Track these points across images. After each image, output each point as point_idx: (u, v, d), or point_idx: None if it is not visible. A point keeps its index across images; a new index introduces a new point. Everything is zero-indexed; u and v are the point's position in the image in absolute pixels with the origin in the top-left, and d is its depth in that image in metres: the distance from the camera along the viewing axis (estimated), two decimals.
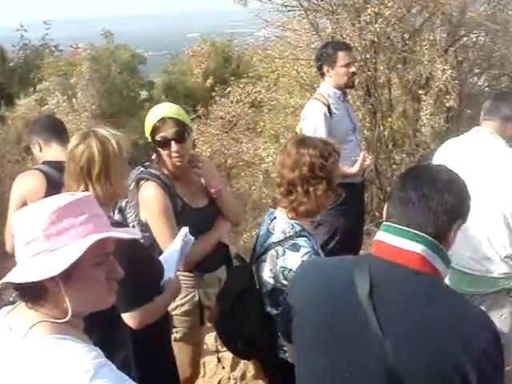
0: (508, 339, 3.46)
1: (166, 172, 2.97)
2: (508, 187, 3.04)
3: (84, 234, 1.42)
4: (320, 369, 1.70)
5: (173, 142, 2.87)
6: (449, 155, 3.43)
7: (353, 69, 4.40)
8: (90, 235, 1.42)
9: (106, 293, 1.52)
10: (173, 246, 2.61)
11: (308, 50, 6.97)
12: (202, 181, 3.06)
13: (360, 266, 1.65)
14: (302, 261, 2.36)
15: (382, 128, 6.38)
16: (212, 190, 3.05)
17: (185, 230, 2.61)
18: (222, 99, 10.42)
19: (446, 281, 3.53)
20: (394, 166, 6.42)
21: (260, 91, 9.02)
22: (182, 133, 2.90)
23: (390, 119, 6.50)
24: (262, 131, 9.07)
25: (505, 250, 3.16)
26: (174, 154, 2.90)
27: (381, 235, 1.69)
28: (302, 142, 2.58)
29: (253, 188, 8.18)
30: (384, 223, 1.71)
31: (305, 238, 2.47)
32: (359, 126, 4.99)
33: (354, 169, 4.35)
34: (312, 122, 4.38)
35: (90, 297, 1.49)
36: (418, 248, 1.61)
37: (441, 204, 1.64)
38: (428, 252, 1.62)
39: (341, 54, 4.37)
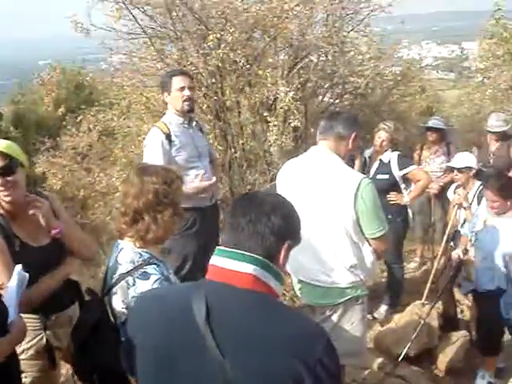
0: (361, 343, 3.64)
1: (1, 211, 2.82)
2: (345, 201, 3.19)
3: None
4: None
5: None
6: (289, 175, 3.56)
7: (187, 93, 4.38)
8: None
9: None
10: (10, 286, 2.47)
11: (156, 76, 6.95)
12: (41, 221, 2.91)
13: (196, 291, 1.68)
14: (153, 288, 2.35)
15: (233, 150, 6.49)
16: (52, 232, 2.92)
17: (18, 267, 2.48)
18: (73, 129, 10.10)
19: (298, 294, 3.67)
20: (249, 187, 6.55)
21: (112, 119, 8.86)
22: (9, 166, 2.76)
23: (241, 141, 6.64)
24: (115, 160, 8.89)
25: (349, 260, 3.33)
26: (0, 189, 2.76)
27: (214, 259, 1.74)
28: (144, 170, 2.59)
29: (108, 218, 7.97)
30: (217, 248, 1.77)
31: (154, 266, 2.47)
32: (212, 150, 4.99)
33: (190, 190, 4.25)
34: (150, 150, 4.36)
35: None
36: (249, 268, 1.67)
37: (268, 226, 1.71)
38: (260, 271, 1.68)
39: (175, 78, 4.39)
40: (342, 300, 3.42)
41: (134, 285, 2.42)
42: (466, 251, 4.74)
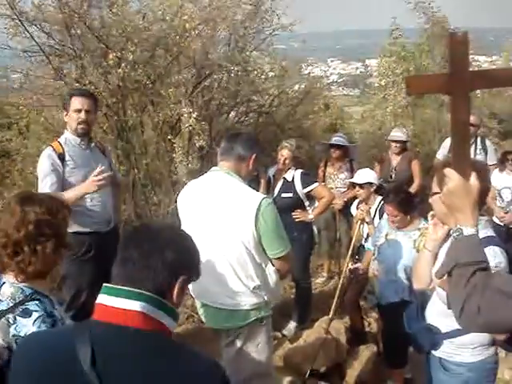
0: (267, 364, 3.60)
1: None
2: (247, 222, 3.16)
3: None
4: None
5: None
6: (190, 197, 3.50)
7: (83, 116, 4.26)
8: None
9: None
10: None
11: (54, 96, 6.70)
12: None
13: (81, 333, 1.57)
14: (36, 326, 2.22)
15: (137, 170, 6.35)
16: None
17: None
18: None
19: (202, 318, 3.60)
20: (153, 207, 6.42)
21: (10, 139, 8.47)
22: None
23: (144, 160, 6.51)
24: (13, 182, 8.46)
25: (253, 281, 3.28)
26: None
27: (100, 298, 1.64)
28: (27, 199, 2.43)
29: None
30: (104, 285, 1.67)
31: (37, 302, 2.31)
32: (115, 171, 4.83)
33: (69, 197, 3.96)
34: (41, 169, 4.20)
35: None
36: (137, 306, 1.58)
37: (161, 260, 1.64)
38: (149, 308, 1.59)
39: (74, 99, 4.28)
40: (247, 322, 3.38)
41: (14, 323, 2.26)
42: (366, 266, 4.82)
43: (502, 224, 6.11)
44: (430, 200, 2.81)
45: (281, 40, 8.72)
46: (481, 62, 15.61)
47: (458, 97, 1.94)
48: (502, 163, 6.21)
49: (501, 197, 6.12)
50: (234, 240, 3.22)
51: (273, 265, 3.34)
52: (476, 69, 13.22)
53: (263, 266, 3.32)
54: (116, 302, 1.59)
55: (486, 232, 2.67)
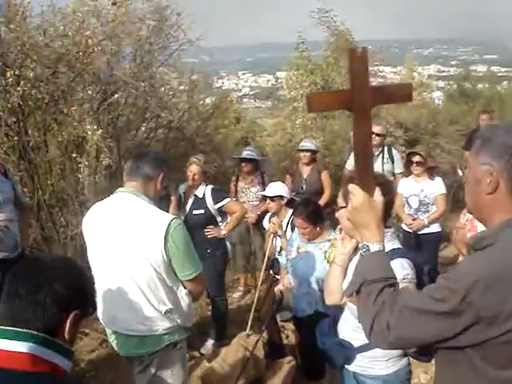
0: None
1: None
2: (156, 244, 3.07)
3: None
4: None
5: None
6: (95, 220, 3.37)
7: None
8: None
9: None
10: None
11: None
12: None
13: None
14: None
15: (41, 191, 6.09)
16: None
17: None
18: None
19: (114, 346, 3.46)
20: (61, 229, 6.17)
21: None
22: None
23: (49, 181, 6.26)
24: None
25: (165, 305, 3.19)
26: None
27: None
28: None
29: None
30: None
31: None
32: (19, 195, 4.60)
33: None
34: None
35: None
36: (24, 347, 1.47)
37: (50, 295, 1.55)
38: (38, 349, 1.49)
39: None
40: (159, 347, 3.28)
41: None
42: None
43: (410, 231, 6.28)
44: (337, 214, 2.83)
45: (191, 54, 8.67)
46: (387, 72, 16.22)
47: (359, 113, 1.97)
48: (407, 168, 6.37)
49: (409, 204, 6.29)
50: (144, 263, 3.12)
51: (185, 287, 3.26)
52: (382, 80, 13.73)
53: (175, 288, 3.23)
54: (1, 344, 1.48)
55: (392, 244, 2.72)
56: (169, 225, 3.09)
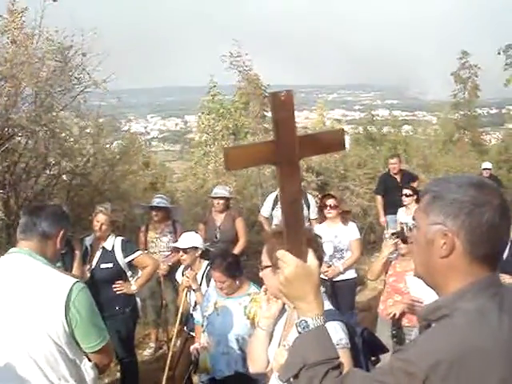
0: None
1: None
2: (55, 312, 2.68)
3: None
4: None
5: None
6: None
7: None
8: None
9: None
10: None
11: None
12: None
13: None
14: None
15: None
16: None
17: None
18: None
19: None
20: None
21: None
22: None
23: None
24: None
25: (66, 382, 2.78)
26: None
27: None
28: None
29: None
30: None
31: None
32: None
33: None
34: None
35: None
36: None
37: None
38: None
39: None
40: None
41: None
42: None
43: (326, 278, 6.13)
44: (261, 274, 2.56)
45: (97, 97, 8.30)
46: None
47: (286, 166, 1.70)
48: (321, 212, 6.26)
49: (323, 251, 6.15)
50: (41, 336, 2.69)
51: (89, 359, 2.86)
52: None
53: (78, 362, 2.82)
54: None
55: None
56: (70, 290, 2.71)
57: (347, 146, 17.23)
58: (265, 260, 2.48)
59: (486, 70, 24.18)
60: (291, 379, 1.60)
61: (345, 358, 2.26)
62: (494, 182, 1.62)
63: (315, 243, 2.31)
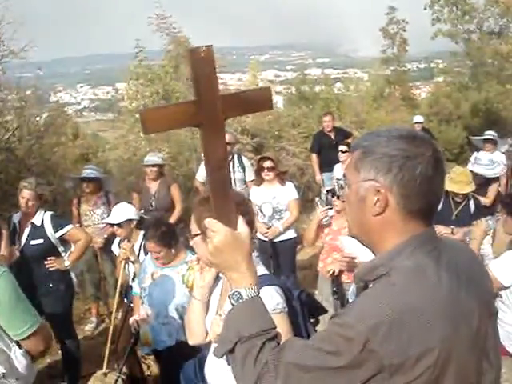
0: None
1: None
2: None
3: None
4: None
5: None
6: None
7: None
8: None
9: None
10: None
11: None
12: None
13: None
14: None
15: None
16: None
17: None
18: None
19: None
20: None
21: None
22: None
23: None
24: None
25: None
26: None
27: None
28: None
29: None
30: None
31: None
32: None
33: None
34: None
35: None
36: None
37: None
38: None
39: None
40: None
41: None
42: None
43: (266, 239, 6.11)
44: (192, 243, 2.46)
45: (19, 68, 7.90)
46: (226, 79, 16.26)
47: (210, 129, 1.57)
48: (258, 175, 6.19)
49: (262, 212, 6.11)
50: None
51: (20, 347, 2.71)
52: (223, 87, 13.74)
53: (6, 350, 2.67)
54: None
55: (258, 270, 2.38)
56: None
57: (280, 106, 17.20)
58: (194, 228, 2.38)
59: (414, 25, 24.50)
60: (227, 354, 1.53)
61: (283, 322, 2.21)
62: (425, 134, 1.55)
63: (245, 208, 2.22)
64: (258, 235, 6.20)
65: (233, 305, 1.54)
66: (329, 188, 5.63)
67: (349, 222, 1.62)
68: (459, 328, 1.40)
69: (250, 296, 1.53)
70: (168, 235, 4.21)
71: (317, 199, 5.54)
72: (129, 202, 5.53)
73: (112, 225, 5.06)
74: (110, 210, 5.65)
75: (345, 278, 4.65)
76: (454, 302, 1.41)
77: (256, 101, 1.77)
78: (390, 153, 1.44)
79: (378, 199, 1.46)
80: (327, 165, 8.71)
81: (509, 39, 21.26)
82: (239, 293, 1.53)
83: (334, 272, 4.62)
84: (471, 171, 6.07)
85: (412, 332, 1.33)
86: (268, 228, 6.08)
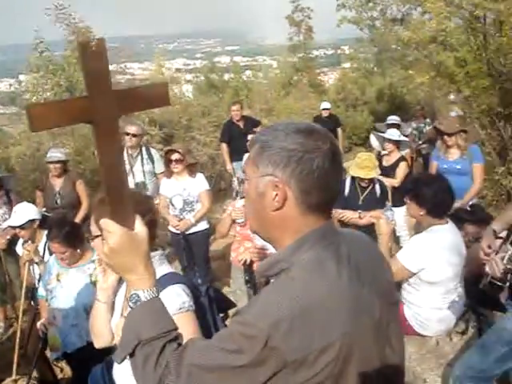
0: None
1: None
2: None
3: None
4: None
5: None
6: None
7: None
8: None
9: None
10: None
11: None
12: None
13: None
14: None
15: None
16: None
17: None
18: None
19: None
20: None
21: None
22: None
23: None
24: None
25: None
26: None
27: None
28: None
29: None
30: None
31: None
32: None
33: None
34: None
35: None
36: None
37: None
38: None
39: None
40: None
41: None
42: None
43: (178, 232, 6.06)
44: (92, 244, 2.40)
45: None
46: (134, 69, 15.95)
47: (103, 125, 1.53)
48: (167, 168, 6.10)
49: (173, 205, 6.05)
50: None
51: None
52: (131, 77, 13.44)
53: None
54: None
55: (163, 269, 2.35)
56: None
57: (190, 95, 17.03)
58: (94, 229, 2.31)
59: (320, 12, 24.91)
60: (127, 358, 1.49)
61: (189, 321, 2.19)
62: (323, 128, 1.54)
63: (145, 207, 2.18)
64: (170, 228, 6.14)
65: (131, 307, 1.51)
66: (240, 176, 5.64)
67: (249, 217, 1.61)
68: (361, 320, 1.43)
69: (148, 298, 1.51)
70: (72, 235, 4.09)
71: (233, 179, 5.52)
72: (33, 201, 5.32)
73: (14, 227, 4.86)
74: (10, 209, 5.43)
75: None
76: (355, 295, 1.43)
77: (152, 97, 1.74)
78: (288, 147, 1.44)
79: (276, 194, 1.46)
80: (237, 154, 8.72)
81: (410, 26, 22.01)
82: (137, 295, 1.50)
83: (245, 261, 4.65)
84: (384, 138, 6.45)
85: (313, 327, 1.34)
86: (179, 220, 6.03)
